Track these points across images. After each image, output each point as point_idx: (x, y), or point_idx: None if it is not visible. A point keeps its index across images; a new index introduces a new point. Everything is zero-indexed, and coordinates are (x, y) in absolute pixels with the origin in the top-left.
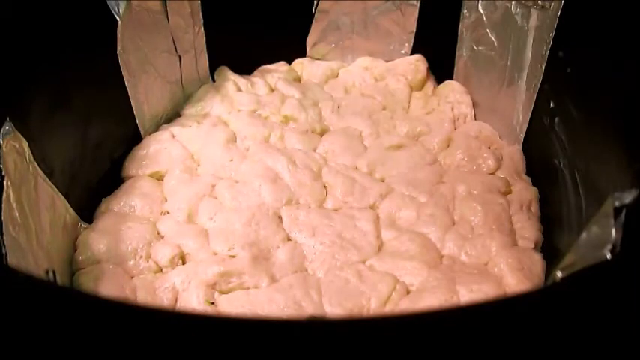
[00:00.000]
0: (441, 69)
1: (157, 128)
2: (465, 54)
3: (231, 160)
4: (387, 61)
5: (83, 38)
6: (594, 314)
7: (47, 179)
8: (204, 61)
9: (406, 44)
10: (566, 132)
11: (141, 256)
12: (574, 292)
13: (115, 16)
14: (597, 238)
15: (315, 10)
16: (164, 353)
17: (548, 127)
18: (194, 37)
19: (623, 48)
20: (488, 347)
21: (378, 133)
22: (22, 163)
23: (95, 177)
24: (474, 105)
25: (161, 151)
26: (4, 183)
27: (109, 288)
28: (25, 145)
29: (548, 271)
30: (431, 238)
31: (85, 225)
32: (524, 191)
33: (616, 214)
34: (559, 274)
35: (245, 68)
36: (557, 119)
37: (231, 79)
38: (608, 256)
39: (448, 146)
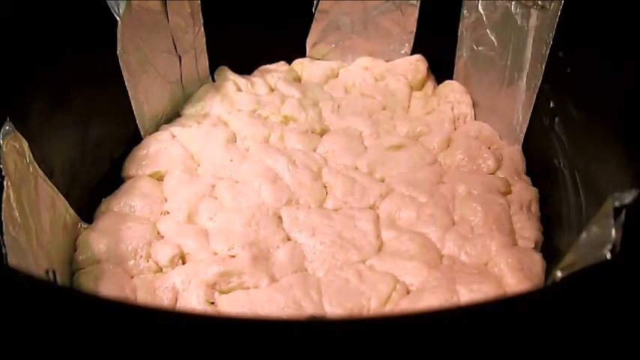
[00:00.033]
0: (441, 69)
1: (156, 128)
2: (465, 54)
3: (231, 160)
4: (387, 61)
5: (83, 38)
6: (594, 314)
7: (47, 179)
8: (204, 61)
9: (406, 44)
10: (566, 132)
11: (141, 256)
12: (574, 292)
13: (115, 16)
14: (597, 238)
15: (315, 10)
16: (164, 353)
17: (548, 127)
18: (194, 37)
19: (623, 48)
20: (489, 347)
21: (378, 133)
22: (22, 163)
23: (95, 177)
24: (474, 105)
25: (161, 151)
26: (4, 183)
27: (109, 288)
28: (25, 145)
29: (548, 271)
30: (431, 238)
31: (85, 225)
32: (524, 191)
33: (616, 214)
34: (559, 274)
35: (245, 68)
36: (557, 119)
37: (231, 79)
38: (608, 256)
39: (448, 146)
